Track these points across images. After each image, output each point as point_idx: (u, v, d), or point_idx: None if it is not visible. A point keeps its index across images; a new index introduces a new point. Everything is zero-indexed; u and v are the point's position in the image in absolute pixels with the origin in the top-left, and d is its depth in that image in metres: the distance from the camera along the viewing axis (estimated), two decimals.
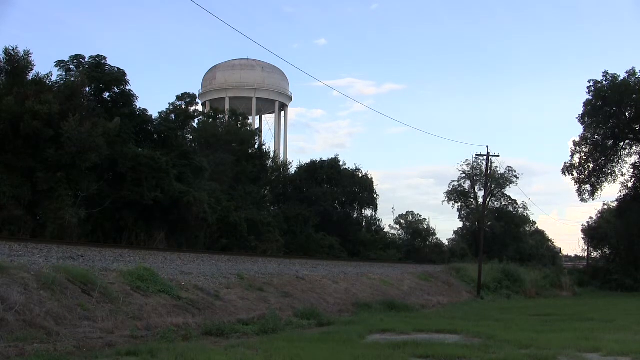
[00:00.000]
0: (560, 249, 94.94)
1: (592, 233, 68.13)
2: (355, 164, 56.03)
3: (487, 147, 45.51)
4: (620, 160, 54.79)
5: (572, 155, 55.62)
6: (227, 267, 20.67)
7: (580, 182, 55.52)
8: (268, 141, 67.16)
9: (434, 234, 67.78)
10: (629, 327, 15.42)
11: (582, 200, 56.27)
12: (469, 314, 20.58)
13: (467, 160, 65.15)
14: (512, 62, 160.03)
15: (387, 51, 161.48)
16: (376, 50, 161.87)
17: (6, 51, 25.24)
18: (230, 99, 70.80)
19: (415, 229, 66.40)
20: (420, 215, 68.46)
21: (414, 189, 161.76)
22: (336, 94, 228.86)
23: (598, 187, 55.34)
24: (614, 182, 55.48)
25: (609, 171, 55.02)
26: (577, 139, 55.10)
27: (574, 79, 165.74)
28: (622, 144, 54.29)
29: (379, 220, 59.46)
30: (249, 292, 17.78)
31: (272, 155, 54.31)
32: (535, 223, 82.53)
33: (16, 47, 25.42)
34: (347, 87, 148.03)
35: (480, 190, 64.16)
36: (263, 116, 79.74)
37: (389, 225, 66.85)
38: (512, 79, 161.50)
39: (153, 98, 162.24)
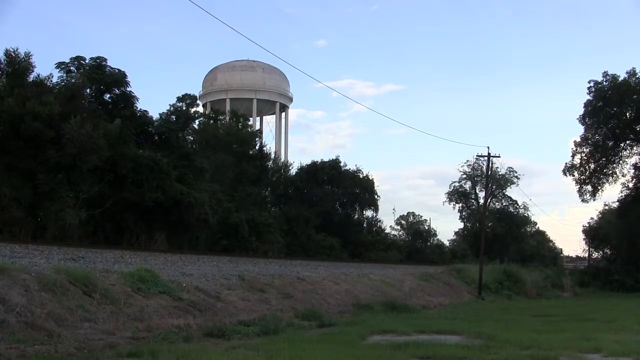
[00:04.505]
0: (561, 249, 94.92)
1: (593, 233, 68.02)
2: (356, 165, 56.12)
3: (488, 147, 45.40)
4: (621, 161, 54.77)
5: (573, 156, 55.62)
6: (228, 268, 20.68)
7: (581, 183, 55.47)
8: (269, 142, 67.10)
9: (435, 234, 67.89)
10: (630, 328, 15.40)
11: (583, 200, 56.28)
12: (470, 315, 20.57)
13: (467, 161, 65.22)
14: (512, 62, 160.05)
15: (387, 52, 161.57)
16: (376, 51, 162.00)
17: (7, 52, 25.25)
18: (231, 100, 70.81)
19: (416, 230, 66.41)
20: (421, 216, 68.60)
21: (414, 189, 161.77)
22: (336, 95, 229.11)
23: (599, 187, 55.29)
24: (615, 183, 55.50)
25: (610, 172, 54.97)
26: (578, 140, 55.11)
27: (574, 79, 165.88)
28: (622, 144, 54.23)
29: (379, 221, 59.56)
30: (249, 293, 17.78)
31: (272, 156, 54.25)
32: (536, 224, 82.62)
33: (17, 49, 25.43)
34: (347, 88, 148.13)
35: (481, 190, 64.22)
36: (264, 117, 79.77)
37: (390, 226, 66.88)
38: (512, 79, 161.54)
39: (154, 99, 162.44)
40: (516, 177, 64.80)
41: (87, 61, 29.43)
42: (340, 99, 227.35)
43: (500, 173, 62.77)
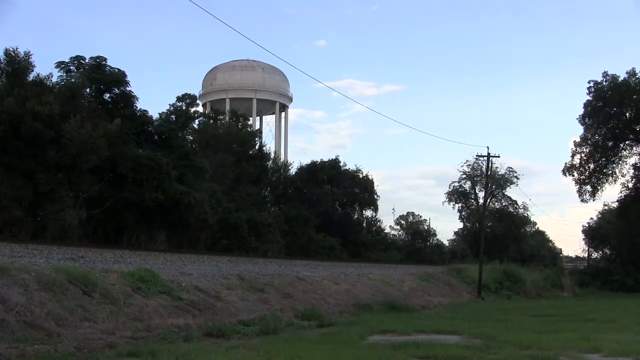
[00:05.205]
0: (561, 249, 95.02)
1: (593, 233, 68.08)
2: (355, 165, 56.04)
3: (488, 147, 45.52)
4: (620, 161, 54.78)
5: (573, 156, 55.64)
6: (227, 268, 20.68)
7: (580, 183, 55.48)
8: (268, 142, 67.12)
9: (435, 234, 67.77)
10: (630, 328, 15.42)
11: (582, 200, 56.30)
12: (469, 315, 20.58)
13: (467, 161, 65.15)
14: (512, 62, 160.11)
15: (387, 52, 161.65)
16: (376, 51, 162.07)
17: (7, 52, 25.20)
18: (231, 99, 70.79)
19: (415, 230, 66.34)
20: (420, 216, 68.41)
21: (414, 189, 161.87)
22: (336, 95, 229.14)
23: (598, 187, 55.32)
24: (615, 183, 55.54)
25: (610, 172, 54.99)
26: (578, 140, 55.12)
27: (574, 79, 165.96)
28: (622, 144, 54.23)
29: (379, 221, 59.49)
30: (249, 293, 17.79)
31: (272, 156, 54.24)
32: (536, 224, 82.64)
33: (17, 48, 25.35)
34: (347, 88, 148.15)
35: (480, 190, 64.16)
36: (263, 117, 79.78)
37: (390, 226, 66.83)
38: (512, 79, 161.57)
39: (153, 99, 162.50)
40: (516, 177, 64.83)
41: (87, 61, 29.39)
42: (340, 99, 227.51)
43: (499, 173, 62.80)
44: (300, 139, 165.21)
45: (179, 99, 36.96)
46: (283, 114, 78.70)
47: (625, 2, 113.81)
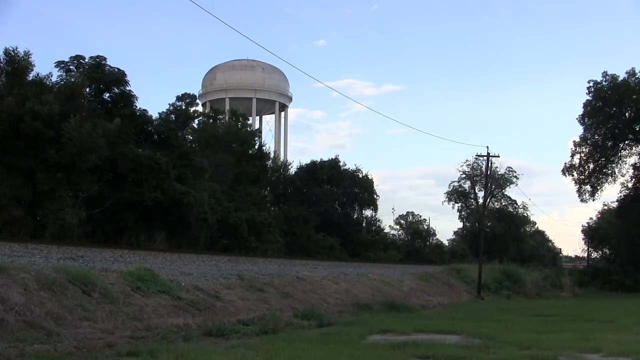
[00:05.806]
0: (561, 249, 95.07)
1: (592, 233, 68.11)
2: (355, 165, 56.04)
3: (487, 147, 45.60)
4: (620, 161, 54.87)
5: (572, 156, 55.70)
6: (227, 268, 20.66)
7: (580, 183, 55.54)
8: (268, 142, 67.01)
9: (434, 234, 67.83)
10: (630, 328, 15.42)
11: (582, 200, 56.39)
12: (469, 315, 20.57)
13: (467, 160, 65.06)
14: (512, 62, 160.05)
15: (387, 52, 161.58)
16: (376, 51, 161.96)
17: (6, 52, 25.18)
18: (231, 99, 70.72)
19: (415, 230, 66.35)
20: (420, 216, 68.45)
21: (414, 189, 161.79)
22: (336, 94, 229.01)
23: (598, 187, 55.41)
24: (614, 183, 55.62)
25: (609, 172, 55.08)
26: (577, 140, 55.19)
27: (574, 79, 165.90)
28: (622, 144, 54.30)
29: (379, 220, 59.47)
30: (249, 292, 17.78)
31: (272, 155, 54.19)
32: (536, 223, 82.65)
33: (16, 48, 25.35)
34: (347, 88, 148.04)
35: (480, 190, 64.13)
36: (263, 117, 79.71)
37: (389, 226, 66.83)
38: (512, 79, 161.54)
39: (153, 98, 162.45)
40: (515, 177, 64.75)
41: (86, 60, 29.40)
42: (340, 99, 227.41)
43: (499, 173, 62.76)
44: (299, 139, 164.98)
45: (178, 98, 36.97)
46: (283, 113, 78.66)
47: (625, 2, 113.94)
